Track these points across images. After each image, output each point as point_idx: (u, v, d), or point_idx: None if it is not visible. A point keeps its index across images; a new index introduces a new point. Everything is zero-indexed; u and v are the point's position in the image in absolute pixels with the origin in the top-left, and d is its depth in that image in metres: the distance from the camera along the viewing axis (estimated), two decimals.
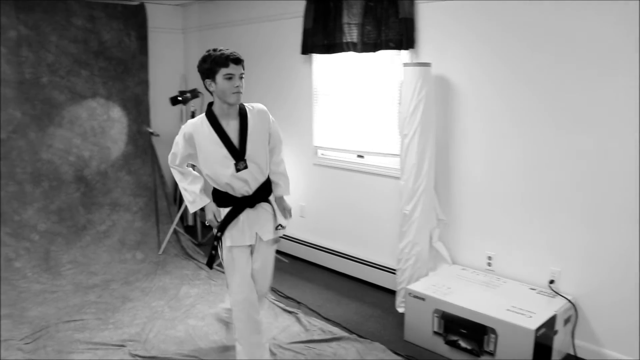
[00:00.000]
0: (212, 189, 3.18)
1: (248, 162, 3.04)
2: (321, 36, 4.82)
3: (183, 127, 3.09)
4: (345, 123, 4.95)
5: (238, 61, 2.97)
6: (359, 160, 4.89)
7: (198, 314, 4.30)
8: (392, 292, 4.57)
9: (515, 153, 3.77)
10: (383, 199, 4.68)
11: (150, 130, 6.33)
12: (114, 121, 6.04)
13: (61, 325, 4.10)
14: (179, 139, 3.10)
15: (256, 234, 3.17)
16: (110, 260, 5.41)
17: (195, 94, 5.82)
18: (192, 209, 3.21)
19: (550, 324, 3.32)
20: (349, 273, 5.07)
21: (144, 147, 6.29)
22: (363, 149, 4.84)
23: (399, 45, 4.22)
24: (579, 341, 3.58)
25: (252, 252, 3.21)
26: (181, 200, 6.60)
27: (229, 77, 2.94)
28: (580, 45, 3.37)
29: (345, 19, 4.56)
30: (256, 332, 3.20)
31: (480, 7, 3.83)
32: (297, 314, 4.22)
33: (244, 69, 3.00)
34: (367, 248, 4.90)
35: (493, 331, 3.34)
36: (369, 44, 4.41)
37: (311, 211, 5.44)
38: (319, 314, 4.29)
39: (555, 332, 3.39)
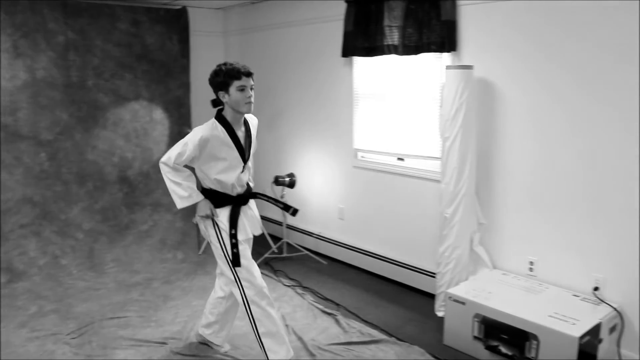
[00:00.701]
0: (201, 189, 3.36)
1: (246, 165, 3.38)
2: (362, 39, 4.82)
3: (198, 130, 3.20)
4: (386, 126, 4.94)
5: (249, 74, 3.17)
6: (399, 162, 4.88)
7: (237, 313, 4.33)
8: (431, 296, 4.55)
9: (561, 157, 3.71)
10: (423, 201, 4.67)
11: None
12: (156, 123, 6.15)
13: (105, 321, 4.20)
14: (189, 141, 3.17)
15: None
16: (151, 259, 5.51)
17: None
18: (183, 203, 3.26)
19: (594, 331, 3.26)
20: (387, 276, 5.06)
21: None
22: (403, 152, 4.82)
23: (440, 48, 4.20)
24: (625, 351, 3.50)
25: None
26: None
27: (242, 89, 3.15)
28: None
29: (386, 22, 4.56)
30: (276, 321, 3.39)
31: (529, 7, 3.76)
32: (336, 315, 4.24)
33: (253, 81, 3.21)
34: (406, 251, 4.89)
35: (535, 337, 3.29)
36: (410, 47, 4.40)
37: (350, 213, 5.45)
38: (358, 316, 4.30)
39: (600, 341, 3.33)
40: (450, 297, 3.80)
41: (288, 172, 5.77)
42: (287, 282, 5.00)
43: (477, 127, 4.09)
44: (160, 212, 5.99)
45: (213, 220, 3.32)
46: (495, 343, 3.52)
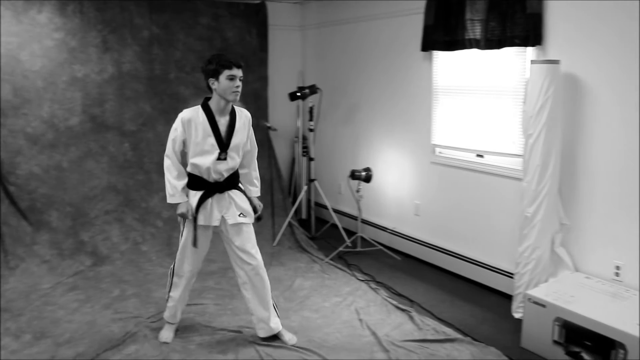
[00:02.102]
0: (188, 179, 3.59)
1: (228, 155, 3.52)
2: (442, 33, 4.75)
3: (181, 113, 3.48)
4: (465, 121, 4.85)
5: (239, 66, 3.42)
6: (478, 159, 4.78)
7: (312, 305, 4.38)
8: (508, 296, 4.44)
9: None
10: (502, 200, 4.55)
11: (268, 125, 6.51)
12: None
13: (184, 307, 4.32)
14: (177, 125, 3.49)
15: (222, 217, 3.59)
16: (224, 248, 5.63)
17: (313, 90, 5.92)
18: (169, 200, 3.57)
19: None
20: (462, 274, 4.97)
21: (261, 140, 6.44)
22: (483, 148, 4.72)
23: (525, 42, 4.07)
24: None
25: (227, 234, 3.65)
26: (296, 194, 6.76)
27: (231, 78, 3.37)
28: None
29: (468, 15, 4.47)
30: (185, 301, 3.87)
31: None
32: (410, 312, 4.20)
33: (242, 74, 3.43)
34: (483, 249, 4.79)
35: (622, 346, 3.15)
36: (493, 41, 4.29)
37: (426, 210, 5.39)
38: (433, 314, 4.25)
39: None
40: (529, 299, 3.69)
41: (364, 166, 5.75)
42: (360, 276, 5.00)
43: (562, 124, 3.94)
44: None
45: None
46: (577, 349, 3.40)
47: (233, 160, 3.58)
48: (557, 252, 4.06)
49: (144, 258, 5.37)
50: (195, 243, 3.60)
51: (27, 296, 4.52)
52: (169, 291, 3.81)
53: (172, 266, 3.79)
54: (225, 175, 3.57)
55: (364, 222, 6.05)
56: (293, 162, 7.13)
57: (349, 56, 6.27)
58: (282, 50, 6.91)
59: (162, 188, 5.76)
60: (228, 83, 3.36)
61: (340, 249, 5.61)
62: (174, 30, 5.92)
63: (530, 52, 4.20)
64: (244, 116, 3.64)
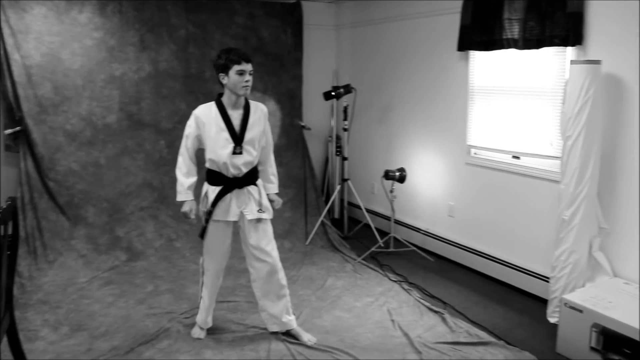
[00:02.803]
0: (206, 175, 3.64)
1: (243, 149, 3.53)
2: (479, 32, 4.70)
3: (195, 111, 3.55)
4: (501, 122, 4.79)
5: (248, 60, 3.43)
6: (514, 161, 4.72)
7: (344, 305, 4.38)
8: (542, 300, 4.37)
9: None
10: (538, 202, 4.48)
11: (302, 124, 6.52)
12: (268, 114, 6.28)
13: (216, 304, 4.32)
14: (190, 122, 3.56)
15: (241, 212, 3.60)
16: None
17: (348, 89, 5.91)
18: (177, 197, 3.66)
19: None
20: (496, 276, 4.91)
21: (295, 139, 6.50)
22: (519, 150, 4.65)
23: (565, 42, 4.00)
24: None
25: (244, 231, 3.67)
26: (329, 193, 6.76)
27: (241, 73, 3.39)
28: None
29: (506, 15, 4.41)
30: (213, 305, 3.89)
31: None
32: (443, 314, 4.17)
33: (252, 68, 3.45)
34: (518, 252, 4.72)
35: None
36: (531, 41, 4.23)
37: (460, 211, 5.33)
38: (466, 316, 4.20)
39: None
40: (565, 304, 3.63)
41: (398, 166, 5.72)
42: (393, 277, 4.97)
43: (603, 126, 3.86)
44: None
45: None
46: (616, 357, 3.32)
47: (249, 154, 3.58)
48: (595, 257, 3.98)
49: (177, 254, 5.44)
50: (203, 235, 3.65)
51: (64, 289, 4.61)
52: (201, 291, 3.85)
53: (201, 266, 3.83)
54: (244, 170, 3.58)
55: (397, 222, 6.01)
56: (327, 161, 7.13)
57: (384, 55, 6.25)
58: (317, 49, 6.92)
59: (196, 185, 5.83)
60: (237, 78, 3.39)
61: (373, 249, 5.59)
62: (209, 29, 5.98)
63: (569, 52, 4.12)
64: (259, 110, 3.65)
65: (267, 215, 3.68)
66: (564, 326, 3.66)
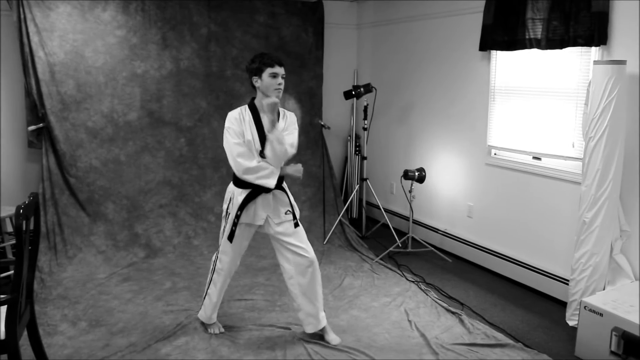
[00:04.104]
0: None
1: None
2: (501, 32, 4.66)
3: (229, 114, 3.54)
4: (523, 123, 4.74)
5: (281, 64, 3.48)
6: (535, 162, 4.67)
7: (361, 305, 4.37)
8: (561, 303, 4.33)
9: None
10: (559, 204, 4.43)
11: (322, 123, 6.52)
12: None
13: (233, 302, 4.37)
14: (229, 124, 3.50)
15: (267, 216, 3.61)
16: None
17: (368, 89, 5.89)
18: (270, 184, 3.51)
19: None
20: (515, 278, 4.87)
21: (315, 138, 6.49)
22: (540, 151, 4.60)
23: (589, 42, 3.95)
24: None
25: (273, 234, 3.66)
26: (347, 193, 6.76)
27: (274, 76, 3.43)
28: None
29: (529, 14, 4.37)
30: (219, 302, 3.86)
31: None
32: (460, 315, 4.14)
33: (284, 72, 3.49)
34: (537, 254, 4.67)
35: None
36: (554, 40, 4.18)
37: (479, 211, 5.29)
38: (483, 318, 4.17)
39: None
40: (585, 307, 3.58)
41: (417, 166, 5.69)
42: (410, 277, 4.95)
43: (626, 128, 3.80)
44: None
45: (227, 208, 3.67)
46: None
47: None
48: (616, 260, 3.92)
49: (195, 252, 5.47)
50: (231, 238, 3.63)
51: (83, 285, 4.66)
52: (208, 288, 3.84)
53: (213, 263, 3.82)
54: None
55: (415, 222, 5.99)
56: (346, 160, 7.12)
57: (404, 55, 6.22)
58: (338, 48, 6.91)
59: (215, 183, 5.90)
60: (270, 80, 3.43)
61: (391, 249, 5.57)
62: (231, 27, 6.00)
63: (593, 52, 4.07)
64: (287, 115, 3.66)
65: (295, 216, 3.68)
66: (584, 329, 3.61)
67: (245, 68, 3.59)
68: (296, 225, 3.66)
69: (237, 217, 3.58)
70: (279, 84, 3.45)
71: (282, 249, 3.67)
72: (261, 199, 3.59)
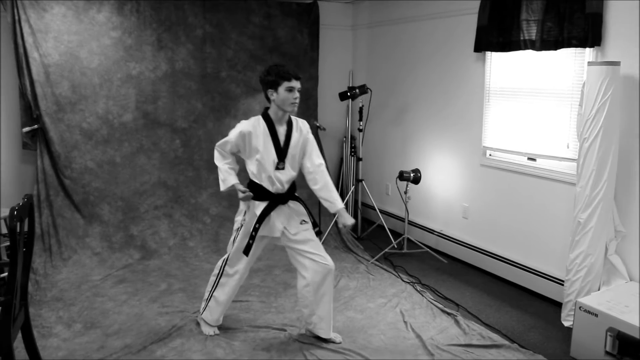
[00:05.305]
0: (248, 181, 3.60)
1: (286, 164, 3.54)
2: (496, 33, 4.67)
3: (240, 125, 3.54)
4: (518, 124, 4.75)
5: (298, 78, 3.44)
6: (530, 163, 4.68)
7: (357, 306, 4.37)
8: (557, 304, 4.34)
9: None
10: (553, 204, 4.44)
11: (317, 124, 6.52)
12: None
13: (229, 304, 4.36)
14: (232, 132, 3.54)
15: (284, 227, 3.58)
16: (273, 247, 5.65)
17: (363, 90, 5.90)
18: (222, 186, 3.58)
19: None
20: (510, 279, 4.87)
21: None
22: (535, 152, 4.61)
23: (583, 43, 3.96)
24: None
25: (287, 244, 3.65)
26: (343, 194, 6.75)
27: (290, 90, 3.40)
28: None
29: (523, 16, 4.38)
30: (230, 300, 3.85)
31: None
32: (455, 316, 4.14)
33: (300, 85, 3.45)
34: (533, 255, 4.68)
35: None
36: (549, 42, 4.19)
37: (474, 213, 5.30)
38: (479, 319, 4.18)
39: None
40: (580, 307, 3.59)
41: (413, 167, 5.70)
42: (406, 278, 4.95)
43: (620, 128, 3.81)
44: None
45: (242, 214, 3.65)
46: None
47: (292, 170, 3.60)
48: (611, 260, 3.93)
49: (191, 253, 5.46)
50: (247, 252, 3.59)
51: (78, 287, 4.65)
52: (212, 291, 3.80)
53: (220, 267, 3.78)
54: (286, 186, 3.59)
55: (411, 223, 5.99)
56: (341, 161, 7.12)
57: (400, 56, 6.23)
58: (333, 49, 6.91)
59: (211, 185, 5.89)
60: (287, 94, 3.39)
61: (386, 250, 5.57)
62: (226, 29, 5.99)
63: (588, 53, 4.08)
64: (300, 125, 3.63)
65: (310, 226, 3.68)
66: (579, 330, 3.62)
67: (259, 80, 3.54)
68: (318, 233, 3.66)
69: (255, 230, 3.54)
70: (295, 98, 3.42)
71: (300, 257, 3.63)
72: (276, 211, 3.57)
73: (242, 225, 3.61)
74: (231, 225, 5.73)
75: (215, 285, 3.79)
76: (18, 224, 2.61)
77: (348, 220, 3.58)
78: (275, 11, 6.24)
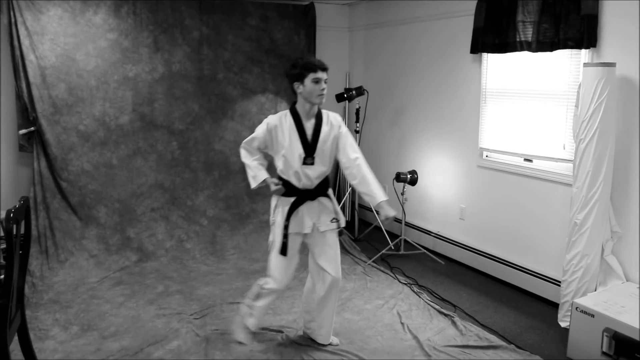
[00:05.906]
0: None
1: (315, 159, 3.43)
2: (492, 35, 4.68)
3: (267, 119, 3.47)
4: (514, 125, 4.76)
5: (324, 69, 3.35)
6: (527, 164, 4.69)
7: (354, 308, 4.37)
8: (553, 304, 4.35)
9: None
10: (550, 205, 4.45)
11: None
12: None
13: (225, 305, 4.37)
14: (261, 127, 3.48)
15: (314, 224, 3.50)
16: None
17: (360, 91, 5.90)
18: (252, 183, 3.54)
19: None
20: (507, 280, 4.88)
21: None
22: (531, 153, 4.62)
23: (579, 44, 3.97)
24: None
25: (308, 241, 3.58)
26: (340, 196, 6.76)
27: (317, 81, 3.31)
28: None
29: (519, 17, 4.39)
30: (265, 311, 3.72)
31: None
32: (452, 317, 4.15)
33: (327, 76, 3.35)
34: (529, 256, 4.69)
35: None
36: (545, 43, 4.20)
37: (471, 214, 5.31)
38: (476, 320, 4.18)
39: None
40: (577, 308, 3.59)
41: (409, 169, 5.71)
42: (403, 279, 4.96)
43: (616, 129, 3.82)
44: None
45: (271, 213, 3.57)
46: None
47: (322, 165, 3.49)
48: (607, 261, 3.94)
49: (188, 255, 5.45)
50: (284, 251, 3.47)
51: (75, 289, 4.64)
52: (258, 301, 3.62)
53: (260, 286, 3.62)
54: (316, 181, 3.49)
55: (408, 225, 6.00)
56: (338, 163, 7.11)
57: (396, 58, 6.24)
58: (330, 51, 6.91)
59: (208, 187, 5.89)
60: (313, 86, 3.30)
61: (383, 251, 5.58)
62: (223, 31, 5.99)
63: (583, 54, 4.10)
64: (330, 119, 3.51)
65: (341, 224, 3.60)
66: (575, 330, 3.62)
67: (285, 74, 3.47)
68: (340, 233, 3.60)
69: (286, 227, 3.45)
70: (322, 89, 3.32)
71: (316, 264, 3.60)
72: (306, 207, 3.48)
73: (274, 222, 3.53)
74: (228, 227, 5.81)
75: (258, 296, 3.63)
76: (14, 226, 2.61)
77: (390, 212, 3.40)
78: (272, 13, 6.24)
